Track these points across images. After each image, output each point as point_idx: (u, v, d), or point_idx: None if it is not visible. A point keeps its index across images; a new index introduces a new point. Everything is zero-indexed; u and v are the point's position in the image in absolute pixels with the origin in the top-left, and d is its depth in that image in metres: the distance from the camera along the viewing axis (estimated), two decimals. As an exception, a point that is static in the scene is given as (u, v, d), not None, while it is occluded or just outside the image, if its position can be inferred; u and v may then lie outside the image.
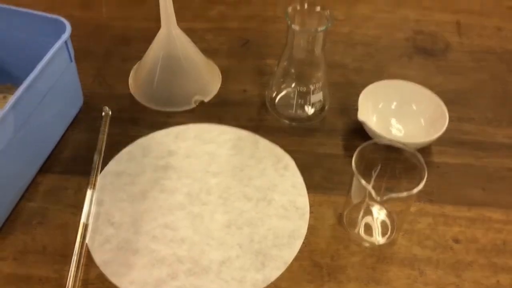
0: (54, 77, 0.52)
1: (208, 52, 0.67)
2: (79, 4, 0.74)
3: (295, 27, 0.52)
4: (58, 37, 0.53)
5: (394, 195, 0.43)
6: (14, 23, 0.56)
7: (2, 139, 0.46)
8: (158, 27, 0.69)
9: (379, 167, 0.49)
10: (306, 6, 0.54)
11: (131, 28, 0.71)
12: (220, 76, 0.65)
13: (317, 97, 0.58)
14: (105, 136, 0.57)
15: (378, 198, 0.44)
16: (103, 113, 0.59)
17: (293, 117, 0.60)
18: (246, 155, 0.56)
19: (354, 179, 0.46)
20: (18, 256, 0.47)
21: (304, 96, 0.58)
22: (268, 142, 0.57)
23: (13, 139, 0.47)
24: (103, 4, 0.74)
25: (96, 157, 0.54)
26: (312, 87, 0.57)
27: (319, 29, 0.52)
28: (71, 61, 0.55)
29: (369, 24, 0.73)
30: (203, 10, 0.74)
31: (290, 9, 0.53)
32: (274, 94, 0.61)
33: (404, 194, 0.43)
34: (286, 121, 0.60)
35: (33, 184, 0.52)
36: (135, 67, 0.65)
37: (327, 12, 0.53)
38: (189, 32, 0.61)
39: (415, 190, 0.43)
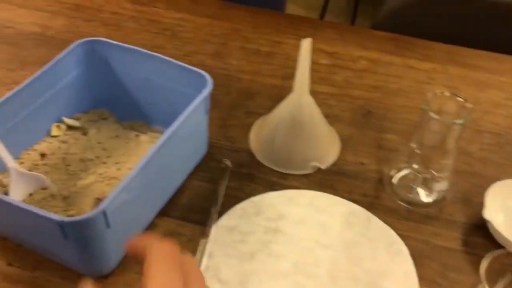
0: (191, 128, 0.55)
1: (330, 117, 0.67)
2: (212, 53, 0.78)
3: (433, 115, 0.51)
4: (196, 88, 0.56)
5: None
6: (160, 69, 0.60)
7: (143, 183, 0.49)
8: (283, 86, 0.71)
9: (509, 277, 0.45)
10: (446, 93, 0.53)
11: (258, 82, 0.74)
12: (339, 145, 0.65)
13: (441, 185, 0.56)
14: (224, 189, 0.58)
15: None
16: (224, 166, 0.61)
17: (411, 201, 0.58)
18: (358, 232, 0.55)
19: (480, 286, 0.43)
20: (130, 297, 0.49)
21: (426, 182, 0.56)
22: (381, 223, 0.56)
23: (147, 181, 0.50)
24: (233, 56, 0.78)
25: (213, 209, 0.56)
26: (437, 175, 0.55)
27: (458, 121, 0.50)
28: (206, 114, 0.58)
29: (499, 112, 0.70)
30: (328, 73, 0.75)
31: (430, 96, 0.52)
32: (393, 173, 0.60)
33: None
34: (403, 204, 0.58)
35: (151, 226, 0.55)
36: (257, 122, 0.67)
37: (468, 104, 0.51)
38: (313, 94, 0.61)
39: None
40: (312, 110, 0.61)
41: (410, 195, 0.58)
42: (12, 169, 0.53)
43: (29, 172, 0.54)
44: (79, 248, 0.46)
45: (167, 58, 0.59)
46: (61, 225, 0.43)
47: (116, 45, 0.61)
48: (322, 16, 2.05)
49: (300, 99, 0.59)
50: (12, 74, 0.73)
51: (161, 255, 0.32)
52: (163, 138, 0.50)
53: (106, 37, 0.62)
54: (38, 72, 0.57)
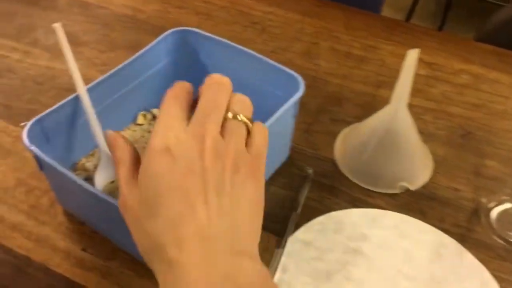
0: (276, 131, 0.52)
1: (424, 135, 0.62)
2: (301, 52, 0.75)
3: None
4: (285, 89, 0.53)
5: None
6: (250, 65, 0.57)
7: None
8: (373, 94, 0.67)
9: None
10: None
11: (346, 88, 0.69)
12: (432, 166, 0.59)
13: (550, 228, 0.50)
14: (303, 199, 0.55)
15: None
16: (305, 174, 0.58)
17: (510, 240, 0.52)
18: (447, 267, 0.50)
19: None
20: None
21: (532, 222, 0.50)
22: (475, 260, 0.50)
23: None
24: (323, 57, 0.74)
25: (292, 219, 0.53)
26: (547, 216, 0.49)
27: None
28: (294, 118, 0.55)
29: None
30: (425, 86, 0.70)
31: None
32: (492, 205, 0.54)
33: None
34: (501, 241, 0.52)
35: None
36: (344, 131, 0.63)
37: None
38: (407, 107, 0.56)
39: None
40: (408, 126, 0.56)
41: (510, 233, 0.52)
42: (103, 153, 0.52)
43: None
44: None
45: (259, 55, 0.56)
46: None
47: (207, 36, 0.59)
48: (408, 17, 1.95)
49: (397, 113, 0.55)
50: (102, 56, 0.73)
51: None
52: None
53: (196, 26, 0.60)
54: (130, 59, 0.56)
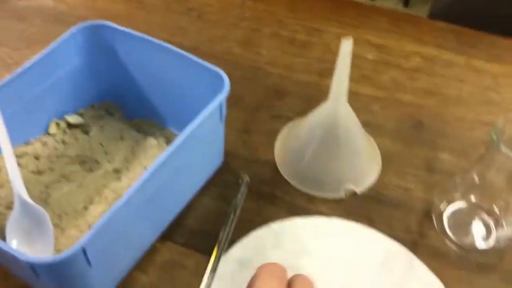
0: (203, 137, 0.46)
1: (371, 127, 0.57)
2: (241, 40, 0.68)
3: (506, 150, 0.39)
4: (212, 88, 0.47)
5: None
6: (172, 63, 0.50)
7: (141, 202, 0.41)
8: (317, 84, 0.61)
9: None
10: (523, 119, 0.41)
11: (288, 79, 0.63)
12: (380, 164, 0.54)
13: (506, 232, 0.45)
14: (238, 213, 0.50)
15: None
16: (240, 181, 0.52)
17: (464, 244, 0.47)
18: (397, 279, 0.45)
19: None
20: None
21: (487, 224, 0.46)
22: (426, 270, 0.46)
23: (145, 204, 0.42)
24: (265, 45, 0.67)
25: (224, 235, 0.47)
26: (503, 218, 0.44)
27: (539, 159, 0.39)
28: (221, 121, 0.48)
29: None
30: (373, 72, 0.64)
31: (501, 121, 0.41)
32: (444, 205, 0.49)
33: None
34: (454, 247, 0.48)
35: (151, 251, 0.47)
36: (284, 131, 0.57)
37: (554, 137, 0.40)
38: (353, 96, 0.50)
39: None
40: (351, 122, 0.50)
41: (464, 238, 0.47)
42: (17, 197, 0.43)
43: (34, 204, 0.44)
44: (57, 287, 0.39)
45: (182, 51, 0.49)
46: (31, 266, 0.35)
47: (123, 31, 0.51)
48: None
49: (336, 109, 0.49)
50: (16, 54, 0.65)
51: (269, 270, 0.35)
52: (167, 152, 0.41)
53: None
54: (33, 60, 0.49)
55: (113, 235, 0.39)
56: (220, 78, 0.47)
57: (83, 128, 0.55)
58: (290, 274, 0.45)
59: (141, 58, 0.53)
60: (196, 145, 0.46)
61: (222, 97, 0.45)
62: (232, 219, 0.49)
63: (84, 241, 0.36)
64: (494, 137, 0.40)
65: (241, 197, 0.51)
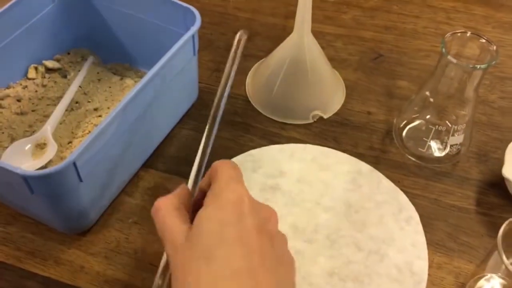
0: (177, 70, 0.49)
1: (335, 61, 0.61)
2: (208, -12, 0.70)
3: (452, 59, 0.44)
4: (185, 26, 0.50)
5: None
6: (143, 3, 0.53)
7: (122, 130, 0.44)
8: (283, 25, 0.64)
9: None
10: (468, 34, 0.46)
11: (256, 22, 0.66)
12: (345, 92, 0.58)
13: (456, 139, 0.50)
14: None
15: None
16: (236, 39, 0.50)
17: (421, 156, 0.52)
18: (365, 194, 0.50)
19: (496, 253, 0.38)
20: (109, 255, 0.45)
21: (440, 135, 0.51)
22: (391, 184, 0.50)
23: (127, 129, 0.45)
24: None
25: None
26: (453, 127, 0.49)
27: (480, 66, 0.44)
28: (195, 54, 0.51)
29: (526, 57, 0.63)
30: (336, 12, 0.68)
31: (448, 36, 0.45)
32: (403, 124, 0.54)
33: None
34: (412, 158, 0.53)
35: (135, 178, 0.50)
36: (254, 67, 0.60)
37: (493, 47, 0.44)
38: (317, 35, 0.55)
39: None
40: (315, 53, 0.54)
41: (421, 149, 0.52)
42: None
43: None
44: (50, 204, 0.42)
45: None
46: (25, 179, 0.38)
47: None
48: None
49: (301, 41, 0.53)
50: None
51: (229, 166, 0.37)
52: (143, 80, 0.44)
53: None
54: (7, 4, 0.50)
55: (101, 156, 0.42)
56: (192, 13, 0.50)
57: (61, 72, 0.57)
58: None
59: (113, 1, 0.55)
60: (172, 76, 0.49)
61: (194, 29, 0.48)
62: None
63: (75, 155, 0.39)
64: (443, 50, 0.45)
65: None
